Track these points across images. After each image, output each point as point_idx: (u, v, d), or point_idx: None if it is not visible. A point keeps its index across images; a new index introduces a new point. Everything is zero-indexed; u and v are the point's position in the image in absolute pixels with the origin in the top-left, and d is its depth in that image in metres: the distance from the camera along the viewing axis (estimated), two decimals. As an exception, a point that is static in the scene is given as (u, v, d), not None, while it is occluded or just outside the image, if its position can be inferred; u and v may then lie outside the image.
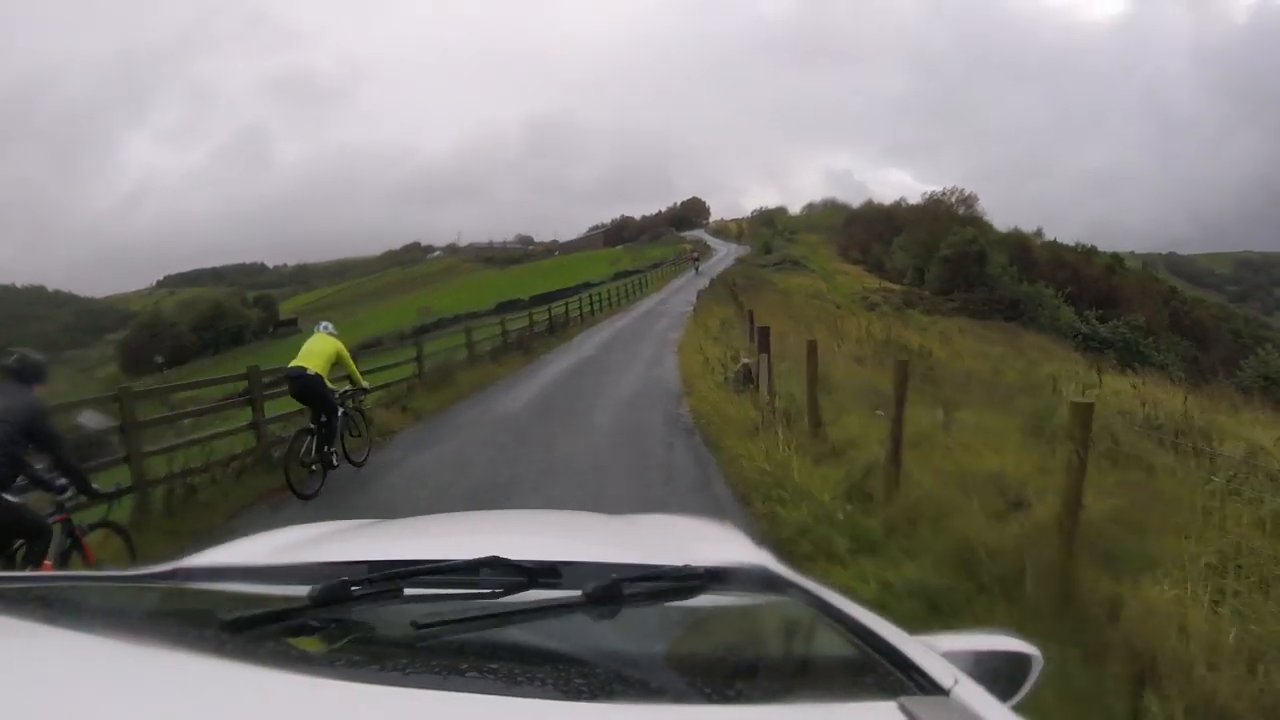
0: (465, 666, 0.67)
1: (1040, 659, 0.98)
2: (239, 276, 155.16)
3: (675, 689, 0.66)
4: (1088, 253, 47.73)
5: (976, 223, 46.17)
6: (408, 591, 0.87)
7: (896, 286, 39.99)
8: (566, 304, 25.08)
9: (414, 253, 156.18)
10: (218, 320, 75.97)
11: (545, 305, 24.45)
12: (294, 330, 72.31)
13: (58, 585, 1.03)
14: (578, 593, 0.82)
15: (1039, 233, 54.91)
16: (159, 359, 66.83)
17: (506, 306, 59.19)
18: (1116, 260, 47.59)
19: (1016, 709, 0.79)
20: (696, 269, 47.53)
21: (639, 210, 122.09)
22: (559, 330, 21.06)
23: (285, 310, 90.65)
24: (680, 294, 32.83)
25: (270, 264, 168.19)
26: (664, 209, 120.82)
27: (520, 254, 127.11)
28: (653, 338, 18.72)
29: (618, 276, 52.28)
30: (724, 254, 58.12)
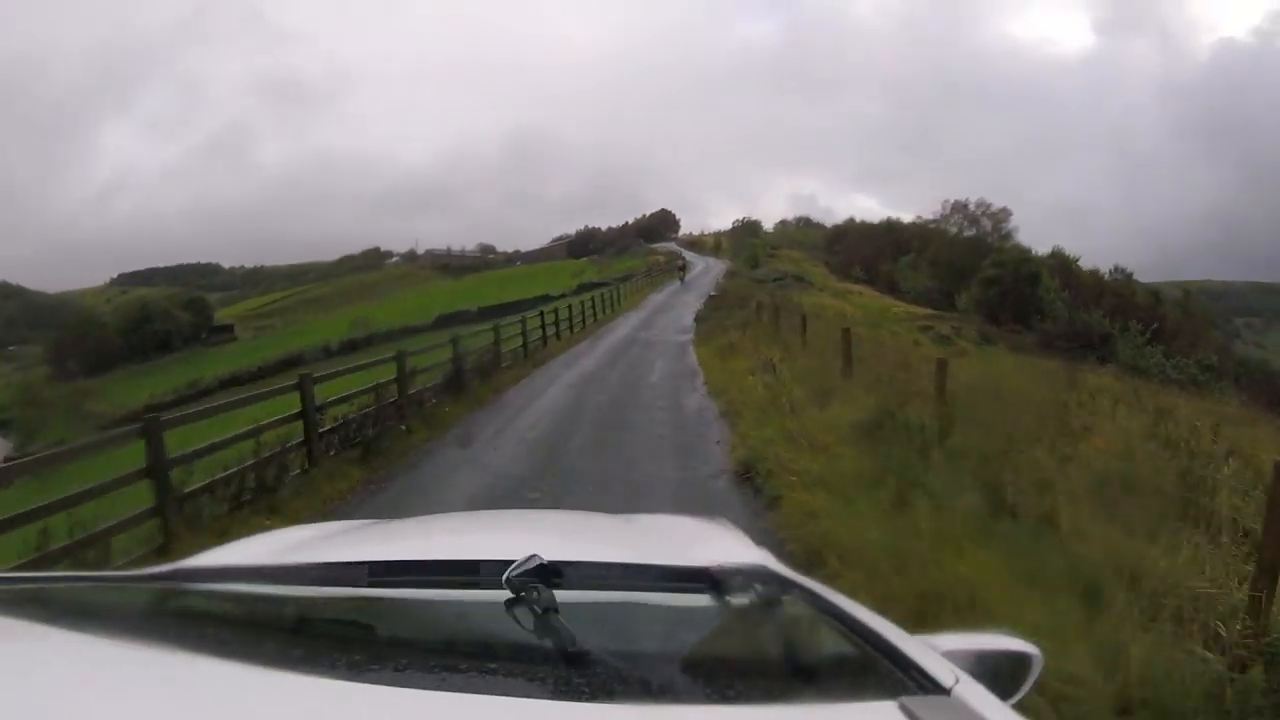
0: (465, 666, 0.66)
1: (1041, 658, 0.97)
2: (193, 277, 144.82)
3: (675, 689, 0.65)
4: (1128, 279, 40.41)
5: (1007, 242, 38.39)
6: (408, 592, 0.87)
7: (921, 309, 31.99)
8: (525, 317, 15.85)
9: (373, 259, 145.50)
10: (145, 324, 67.48)
11: (494, 320, 16.90)
12: (229, 337, 68.05)
13: (57, 585, 1.00)
14: (581, 593, 0.81)
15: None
16: (71, 365, 59.43)
17: (449, 319, 50.08)
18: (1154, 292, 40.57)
19: (1017, 708, 0.77)
20: (683, 279, 40.28)
21: (609, 224, 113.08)
22: (492, 373, 12.05)
23: (228, 315, 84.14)
24: (667, 315, 23.83)
25: (227, 265, 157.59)
26: (631, 221, 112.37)
27: (479, 262, 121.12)
28: (662, 404, 9.48)
29: (581, 289, 44.68)
30: (703, 267, 49.69)
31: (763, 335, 13.90)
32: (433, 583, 0.88)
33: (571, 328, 19.87)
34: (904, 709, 0.58)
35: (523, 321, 15.49)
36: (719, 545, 1.21)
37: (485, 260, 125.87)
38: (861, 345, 14.50)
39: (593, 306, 23.79)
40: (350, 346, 53.37)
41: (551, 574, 0.81)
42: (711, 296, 22.52)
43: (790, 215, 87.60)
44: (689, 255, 61.12)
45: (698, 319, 19.96)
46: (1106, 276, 39.83)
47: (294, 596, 0.89)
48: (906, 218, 55.89)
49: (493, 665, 0.67)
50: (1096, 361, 23.74)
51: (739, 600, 0.88)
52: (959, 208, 40.75)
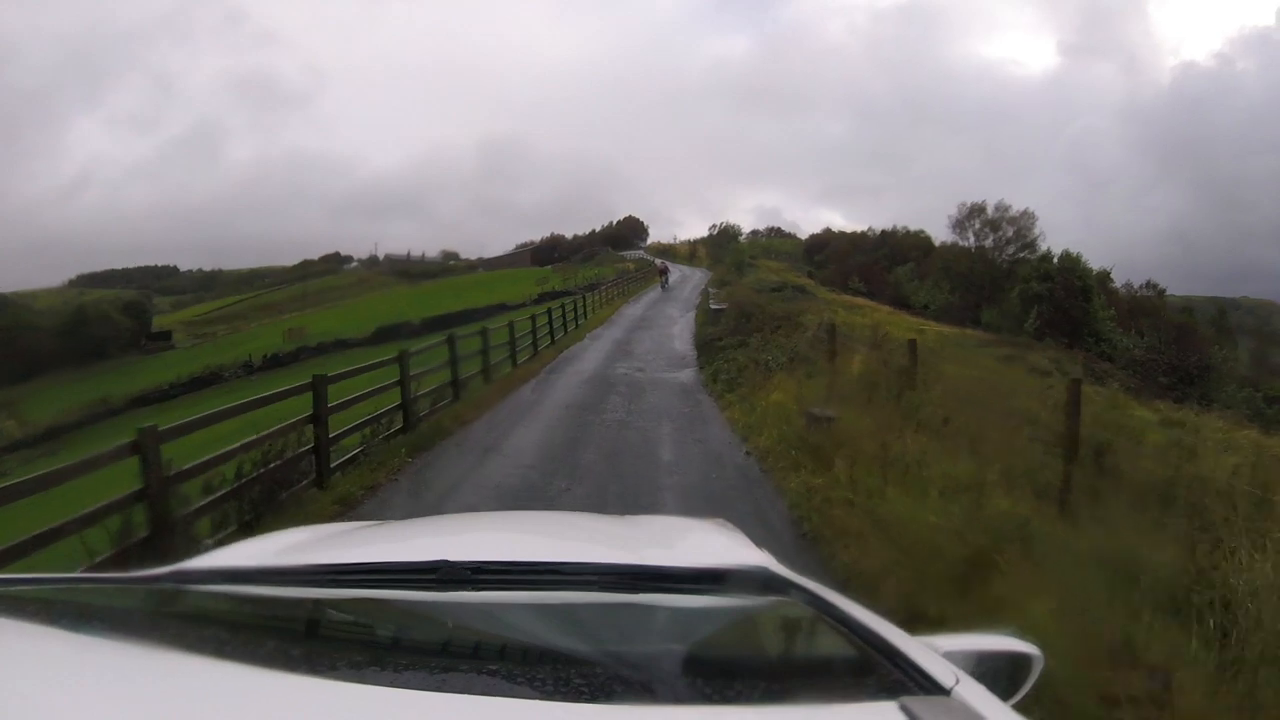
0: (465, 667, 0.66)
1: (1041, 658, 0.95)
2: (150, 279, 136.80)
3: (676, 689, 0.64)
4: (1160, 295, 35.31)
5: (1033, 252, 32.76)
6: (406, 593, 0.86)
7: (972, 331, 26.19)
8: (454, 335, 9.91)
9: (331, 263, 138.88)
10: (80, 328, 62.71)
11: (441, 331, 12.42)
12: (167, 345, 63.48)
13: (58, 587, 1.00)
14: (581, 593, 0.80)
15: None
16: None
17: (389, 332, 42.73)
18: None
19: (1017, 708, 0.76)
20: (665, 284, 35.14)
21: (577, 232, 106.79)
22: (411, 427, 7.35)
23: (180, 319, 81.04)
24: (650, 334, 17.33)
25: (184, 267, 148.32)
26: (599, 228, 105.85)
27: (440, 268, 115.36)
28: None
29: (542, 299, 38.06)
30: (680, 276, 43.58)
31: (848, 386, 7.45)
32: (430, 584, 0.85)
33: (537, 345, 13.34)
34: (904, 709, 0.58)
35: (450, 343, 9.58)
36: (720, 546, 1.20)
37: (446, 266, 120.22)
38: (991, 396, 8.20)
39: (555, 320, 17.14)
40: (275, 362, 46.71)
41: (553, 575, 0.81)
42: (715, 311, 15.90)
43: (757, 227, 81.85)
44: (660, 262, 55.12)
45: (701, 347, 13.52)
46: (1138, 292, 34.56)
47: (292, 598, 0.88)
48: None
49: (494, 665, 0.66)
50: (1199, 401, 17.93)
51: (740, 601, 0.88)
52: (976, 211, 34.93)
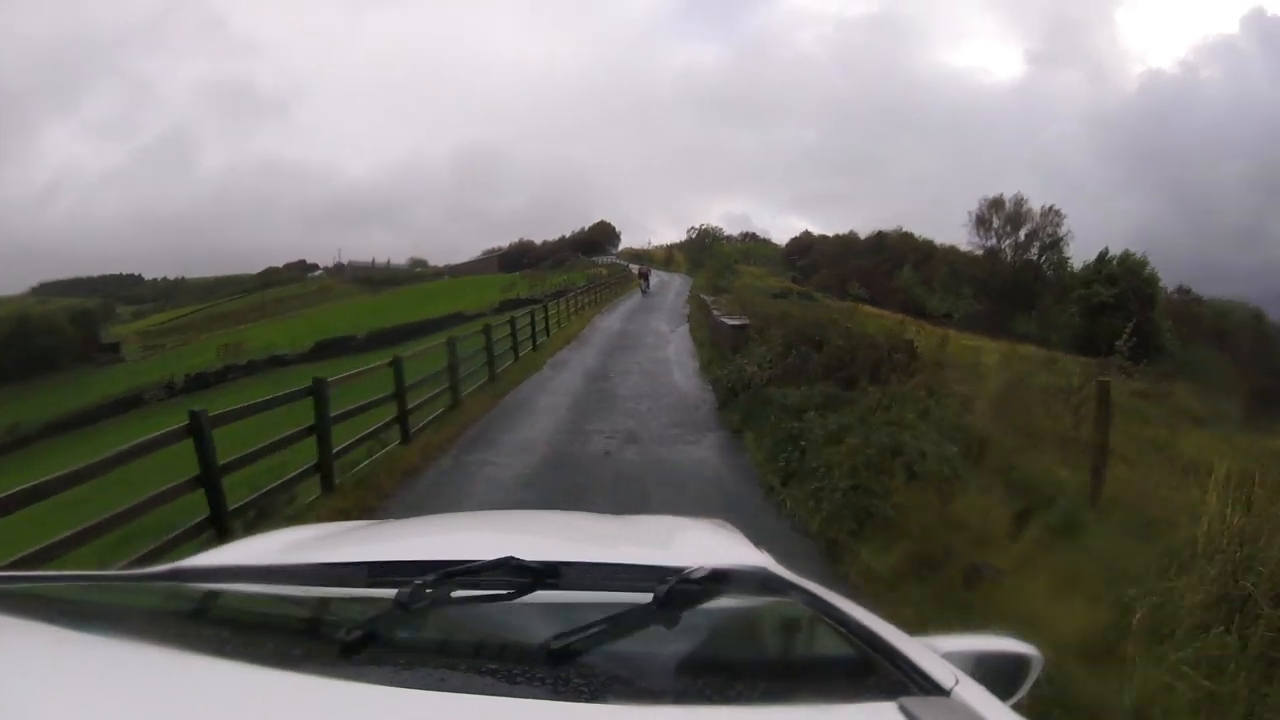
0: (464, 666, 0.64)
1: (1040, 659, 0.94)
2: (116, 288, 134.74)
3: (675, 690, 0.63)
4: (1196, 301, 31.06)
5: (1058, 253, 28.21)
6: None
7: (988, 340, 21.51)
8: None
9: (295, 272, 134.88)
10: (24, 339, 59.01)
11: (388, 347, 11.44)
12: (116, 358, 58.88)
13: (57, 585, 0.97)
14: (584, 595, 0.79)
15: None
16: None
17: (330, 347, 37.35)
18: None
19: (1016, 708, 0.74)
20: (645, 288, 32.57)
21: (547, 238, 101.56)
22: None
23: (140, 329, 77.42)
24: (635, 357, 12.28)
25: (151, 276, 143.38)
26: (569, 234, 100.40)
27: (405, 275, 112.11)
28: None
29: (504, 307, 33.22)
30: (658, 282, 39.08)
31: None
32: (435, 584, 0.82)
33: (457, 394, 7.97)
34: (904, 710, 0.57)
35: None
36: (719, 547, 1.18)
37: (413, 274, 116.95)
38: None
39: (507, 341, 11.85)
40: (199, 383, 40.91)
41: (553, 575, 0.80)
42: (730, 327, 10.49)
43: (730, 233, 76.67)
44: (635, 267, 50.49)
45: (718, 386, 8.35)
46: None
47: (293, 596, 0.86)
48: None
49: (492, 665, 0.65)
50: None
51: (740, 602, 0.86)
52: (996, 206, 30.22)
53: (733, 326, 10.46)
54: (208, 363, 45.93)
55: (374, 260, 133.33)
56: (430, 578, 0.78)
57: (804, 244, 62.59)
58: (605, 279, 40.57)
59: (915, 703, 0.58)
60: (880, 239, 43.84)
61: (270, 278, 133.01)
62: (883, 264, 38.57)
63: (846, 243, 49.45)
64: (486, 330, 10.65)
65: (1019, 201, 29.94)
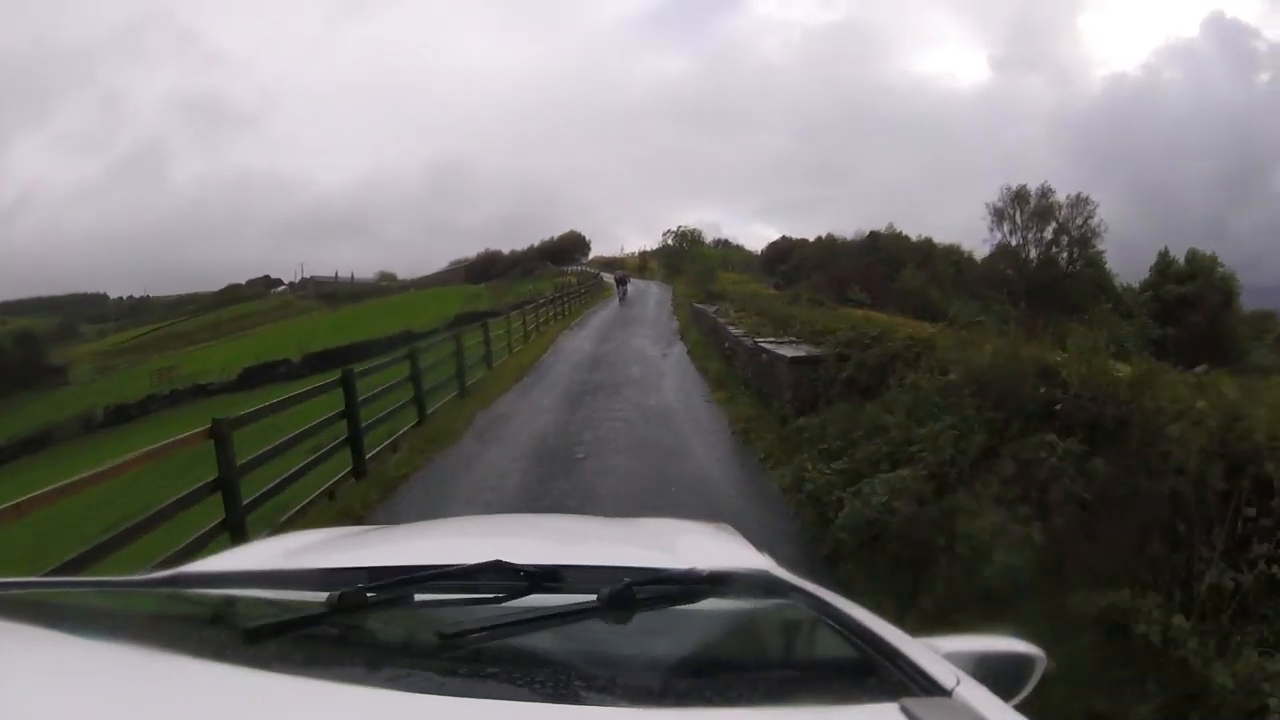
0: (464, 671, 0.64)
1: (1043, 659, 0.91)
2: (79, 307, 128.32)
3: (677, 692, 0.63)
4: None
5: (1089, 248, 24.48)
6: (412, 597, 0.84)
7: None
8: None
9: (258, 287, 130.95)
10: None
11: (329, 369, 9.77)
12: (61, 382, 56.68)
13: (58, 590, 0.97)
14: (586, 597, 0.77)
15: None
16: None
17: (258, 374, 32.31)
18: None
19: (1019, 708, 0.74)
20: (623, 295, 30.05)
21: (514, 248, 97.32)
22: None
23: (90, 350, 73.25)
24: (617, 404, 7.92)
25: (116, 294, 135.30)
26: (537, 243, 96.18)
27: (370, 290, 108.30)
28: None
29: (459, 321, 30.04)
30: (635, 289, 35.25)
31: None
32: (437, 588, 0.83)
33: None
34: (905, 711, 0.57)
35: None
36: (721, 549, 1.16)
37: (377, 287, 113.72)
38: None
39: (461, 356, 7.27)
40: (121, 415, 36.14)
41: (554, 579, 0.79)
42: (794, 363, 5.92)
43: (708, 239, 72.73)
44: (608, 276, 46.58)
45: (844, 533, 3.89)
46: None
47: (295, 601, 0.85)
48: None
49: (493, 670, 0.64)
50: None
51: (741, 604, 0.85)
52: (1020, 199, 26.17)
53: (791, 361, 6.08)
54: (140, 391, 41.53)
55: (337, 274, 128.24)
56: (384, 583, 0.77)
57: (782, 249, 58.85)
58: (574, 287, 36.50)
59: (917, 703, 0.58)
60: (873, 239, 40.07)
61: (232, 294, 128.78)
62: (877, 265, 34.86)
63: (831, 245, 45.75)
64: (459, 337, 6.01)
65: (1045, 193, 26.07)
